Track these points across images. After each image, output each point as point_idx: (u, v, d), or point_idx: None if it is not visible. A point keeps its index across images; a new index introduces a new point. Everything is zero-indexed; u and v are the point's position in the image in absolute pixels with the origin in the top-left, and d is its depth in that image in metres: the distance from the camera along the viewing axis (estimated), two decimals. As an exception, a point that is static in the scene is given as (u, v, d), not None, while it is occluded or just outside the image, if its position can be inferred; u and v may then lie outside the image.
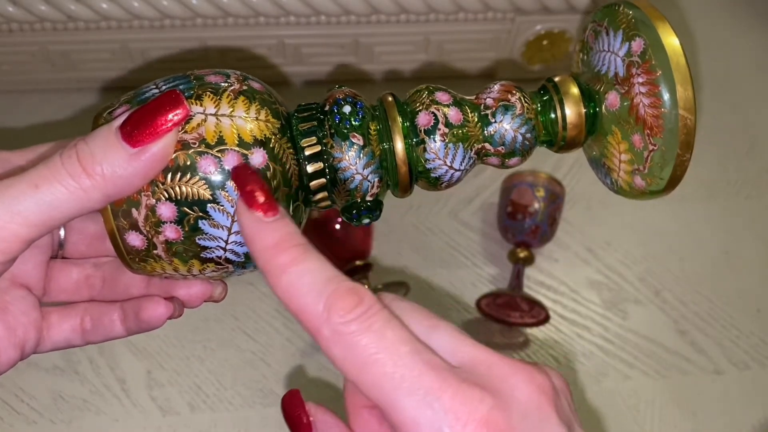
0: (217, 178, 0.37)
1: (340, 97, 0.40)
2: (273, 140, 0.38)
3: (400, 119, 0.40)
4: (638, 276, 0.89)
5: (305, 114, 0.40)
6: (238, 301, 0.85)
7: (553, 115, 0.41)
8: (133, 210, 0.37)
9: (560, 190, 0.86)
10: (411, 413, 0.30)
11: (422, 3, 0.88)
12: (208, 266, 0.39)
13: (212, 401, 0.79)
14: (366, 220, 0.41)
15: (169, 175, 0.37)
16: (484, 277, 0.88)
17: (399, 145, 0.40)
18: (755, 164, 1.00)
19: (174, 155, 0.36)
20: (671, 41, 0.37)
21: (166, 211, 0.37)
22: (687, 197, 0.95)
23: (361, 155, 0.40)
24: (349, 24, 0.90)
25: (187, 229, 0.37)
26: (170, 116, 0.36)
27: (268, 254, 0.33)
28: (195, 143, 0.37)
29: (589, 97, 0.41)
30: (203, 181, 0.37)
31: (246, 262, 0.39)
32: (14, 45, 0.89)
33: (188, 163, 0.37)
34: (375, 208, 0.41)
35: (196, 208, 0.37)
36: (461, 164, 0.41)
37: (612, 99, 0.40)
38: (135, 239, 0.38)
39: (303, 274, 0.32)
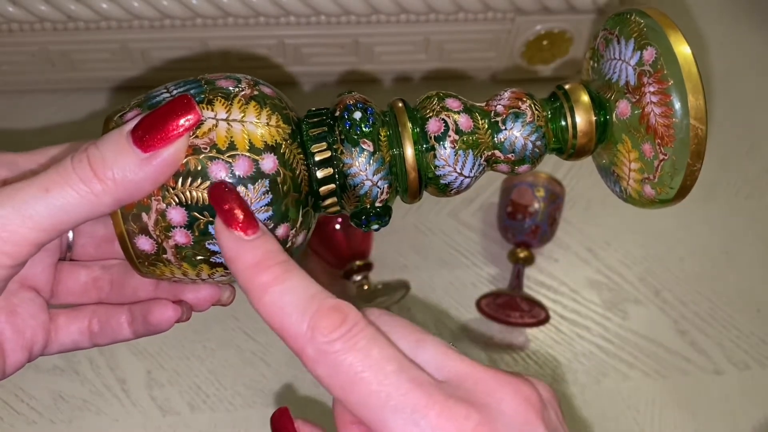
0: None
1: (351, 102, 0.40)
2: (284, 146, 0.38)
3: (410, 125, 0.40)
4: (638, 276, 0.90)
5: (315, 119, 0.40)
6: (238, 301, 0.84)
7: (563, 123, 0.41)
8: (143, 214, 0.37)
9: (560, 190, 0.86)
10: (398, 431, 0.30)
11: (422, 3, 0.88)
12: (217, 271, 0.39)
13: (212, 401, 0.79)
14: (375, 226, 0.41)
15: (180, 180, 0.37)
16: (484, 277, 0.89)
17: (409, 152, 0.40)
18: (755, 164, 1.00)
19: (185, 160, 0.36)
20: (683, 50, 0.37)
21: (177, 215, 0.37)
22: (687, 197, 0.95)
23: (371, 161, 0.40)
24: (349, 24, 0.90)
25: (197, 233, 0.37)
26: (182, 121, 0.36)
27: (249, 273, 0.33)
28: (206, 148, 0.37)
29: (600, 105, 0.41)
30: None
31: None
32: (14, 45, 0.88)
33: (199, 168, 0.37)
34: (384, 214, 0.41)
35: (206, 213, 0.37)
36: (471, 171, 0.41)
37: (623, 107, 0.40)
38: (145, 243, 0.38)
39: (285, 292, 0.32)
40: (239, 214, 0.34)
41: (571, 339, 0.85)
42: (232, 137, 0.37)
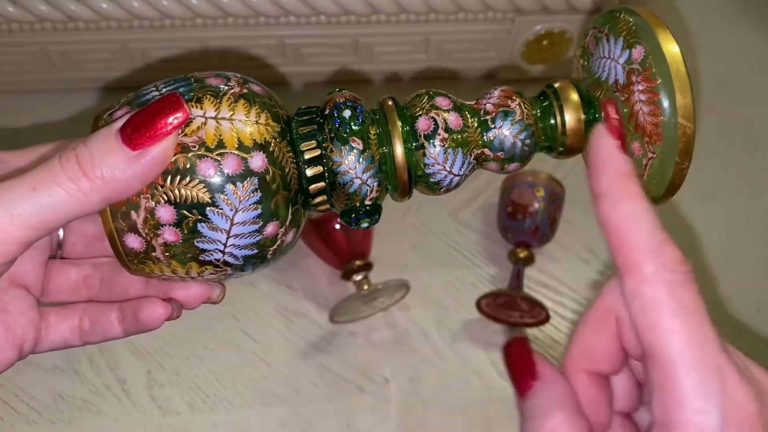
0: (216, 181, 0.37)
1: (341, 101, 0.40)
2: (273, 144, 0.38)
3: (399, 124, 0.40)
4: (638, 276, 0.89)
5: (305, 117, 0.40)
6: (238, 301, 0.85)
7: (552, 121, 0.41)
8: (132, 212, 0.37)
9: (560, 190, 0.86)
10: (691, 382, 0.30)
11: (422, 3, 0.88)
12: (206, 269, 0.39)
13: (212, 401, 0.79)
14: (365, 224, 0.41)
15: (169, 178, 0.37)
16: (484, 277, 0.88)
17: (398, 150, 0.40)
18: (755, 164, 1.00)
19: (174, 158, 0.36)
20: (671, 49, 0.37)
21: (165, 213, 0.37)
22: (687, 197, 0.95)
23: (361, 159, 0.40)
24: (349, 24, 0.90)
25: (185, 231, 0.37)
26: (170, 119, 0.36)
27: (619, 175, 0.33)
28: (195, 146, 0.37)
29: (589, 103, 0.41)
30: (202, 185, 0.37)
31: (244, 264, 0.39)
32: (14, 45, 0.89)
33: (188, 166, 0.37)
34: (374, 212, 0.41)
35: (195, 211, 0.37)
36: (460, 169, 0.41)
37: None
38: (134, 241, 0.38)
39: (645, 211, 0.33)
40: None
41: (571, 339, 0.85)
42: (221, 135, 0.37)
